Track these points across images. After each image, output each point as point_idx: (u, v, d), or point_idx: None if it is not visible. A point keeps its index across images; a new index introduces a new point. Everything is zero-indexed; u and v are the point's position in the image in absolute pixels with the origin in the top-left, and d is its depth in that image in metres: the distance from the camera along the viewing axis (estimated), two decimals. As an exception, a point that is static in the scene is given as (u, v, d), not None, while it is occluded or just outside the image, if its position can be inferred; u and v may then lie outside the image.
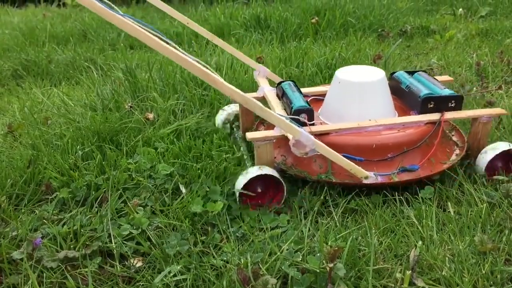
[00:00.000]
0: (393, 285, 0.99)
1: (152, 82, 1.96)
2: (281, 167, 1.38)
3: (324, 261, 0.99)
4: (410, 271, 0.98)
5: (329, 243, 1.09)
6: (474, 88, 2.11)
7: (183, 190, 1.34)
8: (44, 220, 1.25)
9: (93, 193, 1.35)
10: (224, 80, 1.91)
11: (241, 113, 1.63)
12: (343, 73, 1.46)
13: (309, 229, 1.18)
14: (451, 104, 1.41)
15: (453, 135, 1.54)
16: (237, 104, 1.68)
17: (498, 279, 0.99)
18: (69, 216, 1.26)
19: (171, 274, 1.06)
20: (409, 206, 1.28)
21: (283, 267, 1.04)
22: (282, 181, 1.29)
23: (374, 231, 1.14)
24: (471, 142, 1.46)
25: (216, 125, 1.72)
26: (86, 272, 1.08)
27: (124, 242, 1.17)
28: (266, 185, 1.31)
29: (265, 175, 1.27)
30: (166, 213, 1.27)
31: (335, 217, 1.24)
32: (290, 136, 1.26)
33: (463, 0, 3.86)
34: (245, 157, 1.48)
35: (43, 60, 2.68)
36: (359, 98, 1.42)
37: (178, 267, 1.08)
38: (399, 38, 3.05)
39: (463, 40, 2.89)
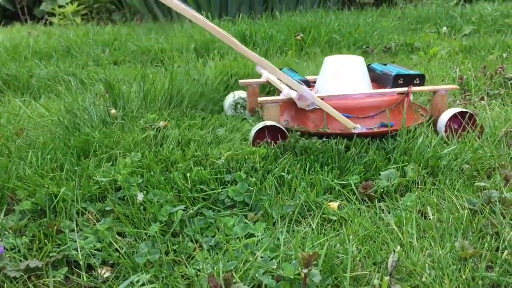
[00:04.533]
0: (370, 291, 0.95)
1: (134, 93, 1.93)
2: (286, 126, 1.68)
3: (299, 268, 0.95)
4: (388, 277, 0.94)
5: (306, 250, 1.05)
6: (457, 101, 2.10)
7: (140, 198, 1.29)
8: (8, 230, 1.20)
9: (58, 203, 1.29)
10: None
11: (248, 95, 1.95)
12: (332, 58, 1.84)
13: (286, 237, 1.14)
14: (416, 81, 1.78)
15: (419, 111, 1.87)
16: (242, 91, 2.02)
17: (480, 285, 0.95)
18: (33, 226, 1.20)
19: (139, 284, 1.01)
20: (389, 214, 1.24)
21: (257, 275, 0.99)
22: (285, 130, 1.61)
23: (352, 237, 1.10)
24: (433, 111, 1.78)
25: (224, 107, 2.01)
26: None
27: (92, 251, 1.11)
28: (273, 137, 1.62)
29: (271, 126, 1.60)
30: (132, 220, 1.22)
31: (312, 225, 1.20)
32: (294, 95, 1.59)
33: (447, 19, 3.91)
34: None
35: (24, 74, 2.64)
36: (343, 74, 1.78)
37: (148, 276, 1.03)
38: (384, 54, 3.06)
39: (446, 56, 2.91)
